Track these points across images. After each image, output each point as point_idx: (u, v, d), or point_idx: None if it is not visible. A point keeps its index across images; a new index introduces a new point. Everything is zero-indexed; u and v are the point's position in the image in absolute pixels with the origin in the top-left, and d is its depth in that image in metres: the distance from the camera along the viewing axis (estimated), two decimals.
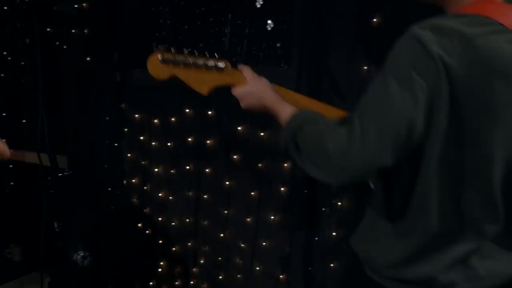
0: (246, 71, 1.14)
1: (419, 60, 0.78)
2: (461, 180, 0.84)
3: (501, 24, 0.80)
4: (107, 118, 2.38)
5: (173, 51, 1.10)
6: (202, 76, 1.12)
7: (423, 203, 0.87)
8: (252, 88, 1.12)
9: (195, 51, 1.12)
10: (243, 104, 1.13)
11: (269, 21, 2.99)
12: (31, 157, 1.96)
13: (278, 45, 3.07)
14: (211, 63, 1.11)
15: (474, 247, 0.88)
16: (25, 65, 2.66)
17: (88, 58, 2.35)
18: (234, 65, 1.15)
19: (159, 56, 1.10)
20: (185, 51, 1.11)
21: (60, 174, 1.88)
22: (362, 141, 0.81)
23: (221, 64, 1.12)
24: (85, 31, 2.34)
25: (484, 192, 0.85)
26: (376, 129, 0.81)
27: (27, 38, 2.60)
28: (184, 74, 1.11)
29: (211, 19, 3.09)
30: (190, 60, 1.10)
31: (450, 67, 0.76)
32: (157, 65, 1.10)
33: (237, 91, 1.13)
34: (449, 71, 0.76)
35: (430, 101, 0.78)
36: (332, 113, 1.14)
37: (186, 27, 3.20)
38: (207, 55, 1.11)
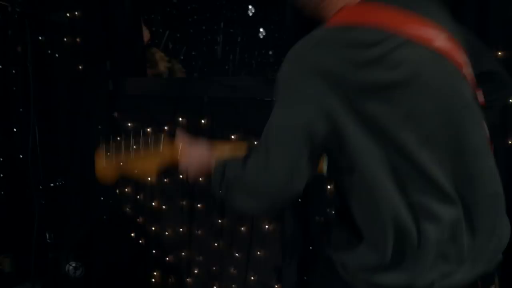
0: (182, 137, 1.15)
1: (301, 73, 0.84)
2: (399, 177, 0.85)
3: (362, 24, 0.85)
4: (99, 126, 2.36)
5: (111, 148, 1.09)
6: (145, 160, 1.11)
7: (377, 210, 0.87)
8: (192, 155, 1.12)
9: (132, 138, 1.11)
10: (190, 175, 1.14)
11: (261, 29, 3.00)
12: None
13: (270, 53, 3.08)
14: (147, 146, 1.11)
15: (445, 237, 0.87)
16: (16, 74, 2.63)
17: (80, 67, 2.34)
18: (172, 134, 1.15)
19: (103, 160, 1.10)
20: (122, 143, 1.10)
21: (53, 184, 1.86)
22: (267, 165, 0.88)
23: (157, 144, 1.12)
24: (77, 39, 2.33)
25: (426, 181, 0.85)
26: (279, 148, 0.87)
27: (19, 46, 2.58)
28: (128, 167, 1.11)
29: (203, 27, 3.10)
30: (129, 151, 1.10)
31: (329, 72, 0.82)
32: (103, 169, 1.10)
33: (181, 168, 1.14)
34: (329, 75, 0.82)
35: (324, 105, 0.83)
36: None
37: (178, 35, 3.20)
38: (142, 138, 1.12)
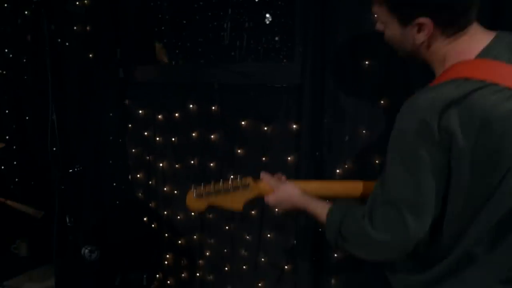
0: (269, 180, 1.26)
1: (426, 140, 0.87)
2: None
3: (481, 81, 0.86)
4: (111, 114, 2.41)
5: (201, 185, 1.27)
6: (233, 197, 1.26)
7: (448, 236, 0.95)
8: (279, 195, 1.23)
9: (221, 180, 1.27)
10: (278, 209, 1.28)
11: (267, 15, 3.01)
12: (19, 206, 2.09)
13: (276, 38, 3.09)
14: (236, 184, 1.26)
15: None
16: (26, 62, 2.67)
17: (90, 55, 2.37)
18: (257, 177, 1.28)
19: (193, 193, 1.27)
20: (212, 183, 1.26)
21: (71, 170, 1.92)
22: (403, 229, 0.92)
23: (245, 183, 1.26)
24: (87, 28, 2.36)
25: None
26: (409, 211, 0.91)
27: (28, 35, 2.61)
28: (217, 201, 1.27)
29: (209, 14, 3.10)
30: (218, 188, 1.26)
31: (455, 137, 0.85)
32: (193, 201, 1.28)
33: (269, 201, 1.25)
34: (454, 140, 0.85)
35: (444, 170, 0.88)
36: (354, 187, 1.23)
37: (185, 21, 3.21)
38: (231, 179, 1.26)
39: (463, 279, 0.97)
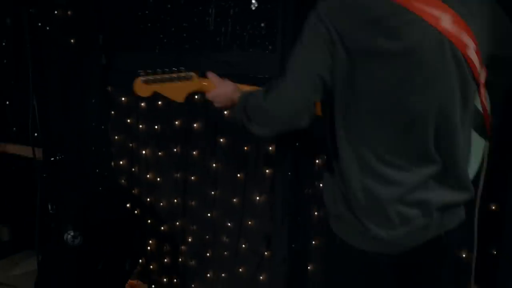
0: (212, 77, 1.37)
1: (315, 25, 1.02)
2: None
3: None
4: (93, 100, 2.39)
5: (149, 72, 1.34)
6: (176, 87, 1.35)
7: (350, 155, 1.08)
8: (219, 91, 1.34)
9: (166, 69, 1.35)
10: (215, 105, 1.36)
11: (253, 1, 2.98)
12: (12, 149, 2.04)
13: (262, 25, 3.07)
14: (181, 75, 1.34)
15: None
16: (6, 46, 2.61)
17: (72, 40, 2.34)
18: (202, 75, 1.38)
19: (141, 79, 1.35)
20: (159, 70, 1.35)
21: (53, 158, 1.92)
22: (287, 96, 1.08)
23: (189, 75, 1.35)
24: (69, 12, 2.32)
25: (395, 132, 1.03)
26: (296, 83, 1.06)
27: (8, 18, 2.55)
28: (162, 89, 1.35)
29: None
30: (164, 77, 1.34)
31: (336, 25, 0.99)
32: (140, 86, 1.36)
33: (209, 95, 1.37)
34: (336, 27, 0.99)
35: (330, 54, 1.01)
36: None
37: (169, 6, 3.16)
38: (176, 69, 1.35)
39: (374, 195, 1.07)
